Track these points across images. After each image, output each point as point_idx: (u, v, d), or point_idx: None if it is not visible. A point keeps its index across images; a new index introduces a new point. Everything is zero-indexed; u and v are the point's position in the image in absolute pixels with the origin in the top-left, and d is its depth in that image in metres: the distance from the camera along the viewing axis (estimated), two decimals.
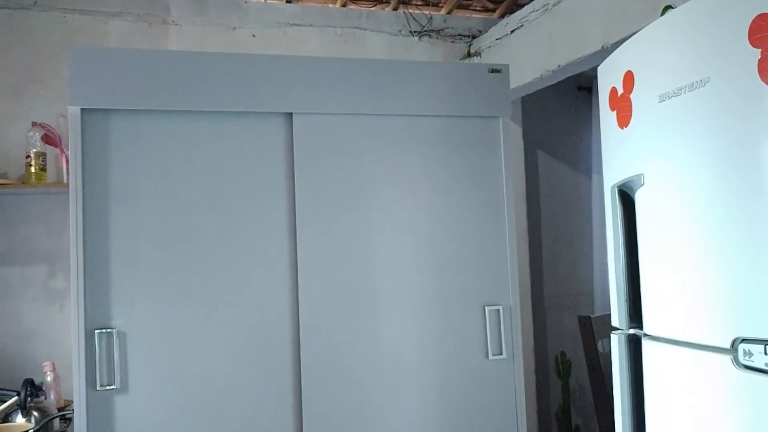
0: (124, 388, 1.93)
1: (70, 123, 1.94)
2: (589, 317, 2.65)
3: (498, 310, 2.25)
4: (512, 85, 2.34)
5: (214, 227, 2.05)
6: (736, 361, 1.10)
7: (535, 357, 3.55)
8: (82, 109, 1.95)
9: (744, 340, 1.09)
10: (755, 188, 1.07)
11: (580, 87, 3.89)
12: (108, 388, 1.91)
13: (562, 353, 3.54)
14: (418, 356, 2.19)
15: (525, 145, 3.65)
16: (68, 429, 2.39)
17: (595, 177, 3.82)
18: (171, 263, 2.01)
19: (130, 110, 2.00)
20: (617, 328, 1.54)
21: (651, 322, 1.39)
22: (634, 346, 1.51)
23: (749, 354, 1.07)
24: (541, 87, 3.17)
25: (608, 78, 1.54)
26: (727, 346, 1.12)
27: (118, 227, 1.97)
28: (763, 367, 1.05)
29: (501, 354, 2.24)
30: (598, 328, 2.70)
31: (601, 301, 3.69)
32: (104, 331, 1.92)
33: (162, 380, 1.98)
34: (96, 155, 1.97)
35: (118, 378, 1.92)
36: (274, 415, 2.06)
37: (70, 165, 1.93)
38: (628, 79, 1.43)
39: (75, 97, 1.94)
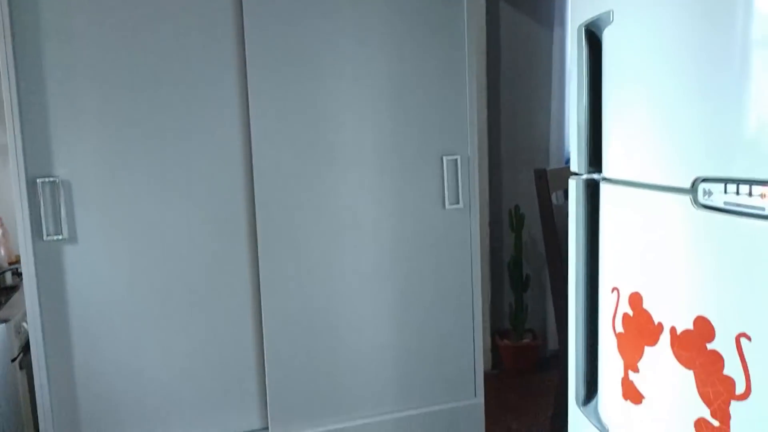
0: (72, 239, 1.88)
1: None
2: (545, 170, 2.64)
3: (456, 160, 2.23)
4: None
5: (159, 75, 1.93)
6: (695, 200, 1.09)
7: (489, 210, 3.60)
8: None
9: (704, 180, 1.07)
10: (722, 25, 1.02)
11: None
12: (55, 238, 1.86)
13: (516, 207, 3.58)
14: (376, 208, 2.17)
15: None
16: (21, 283, 2.36)
17: (557, 29, 3.70)
18: (113, 110, 1.90)
19: None
20: (576, 173, 1.52)
21: (611, 166, 1.37)
22: (592, 193, 1.50)
23: (709, 193, 1.06)
24: None
25: None
26: (687, 186, 1.10)
27: (54, 69, 1.84)
28: (721, 206, 1.04)
29: (458, 203, 2.24)
30: (553, 180, 2.70)
31: (557, 157, 3.70)
32: (47, 180, 1.84)
33: (111, 230, 1.93)
34: None
35: (65, 228, 1.87)
36: (228, 267, 2.05)
37: None
38: None
39: None
